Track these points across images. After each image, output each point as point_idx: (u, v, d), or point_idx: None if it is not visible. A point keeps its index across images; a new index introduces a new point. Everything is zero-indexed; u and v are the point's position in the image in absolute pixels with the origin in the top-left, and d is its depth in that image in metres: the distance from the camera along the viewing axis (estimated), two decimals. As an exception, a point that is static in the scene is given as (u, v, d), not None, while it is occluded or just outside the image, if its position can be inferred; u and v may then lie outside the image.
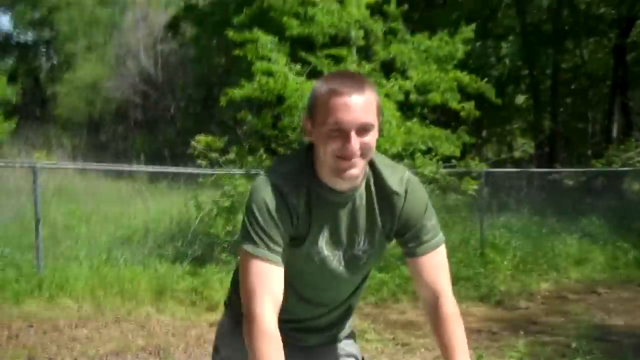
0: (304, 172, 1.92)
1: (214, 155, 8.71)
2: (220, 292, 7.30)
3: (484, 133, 23.69)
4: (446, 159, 9.57)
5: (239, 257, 1.94)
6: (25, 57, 38.79)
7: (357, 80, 1.83)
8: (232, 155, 8.78)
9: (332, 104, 1.78)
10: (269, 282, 1.83)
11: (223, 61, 28.83)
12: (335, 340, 2.24)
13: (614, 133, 19.58)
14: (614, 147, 15.23)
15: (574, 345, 5.26)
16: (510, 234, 10.04)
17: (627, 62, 20.63)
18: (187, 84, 32.59)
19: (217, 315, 6.95)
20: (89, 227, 9.34)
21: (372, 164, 1.95)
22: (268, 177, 1.91)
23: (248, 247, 1.85)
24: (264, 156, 9.07)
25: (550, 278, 9.01)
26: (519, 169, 12.98)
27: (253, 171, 8.59)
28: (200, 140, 8.88)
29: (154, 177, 13.78)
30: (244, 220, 1.90)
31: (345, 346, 2.26)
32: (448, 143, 9.18)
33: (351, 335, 2.31)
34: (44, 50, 40.07)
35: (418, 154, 9.08)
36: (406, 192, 1.97)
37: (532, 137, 24.67)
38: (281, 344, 1.78)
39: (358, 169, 1.84)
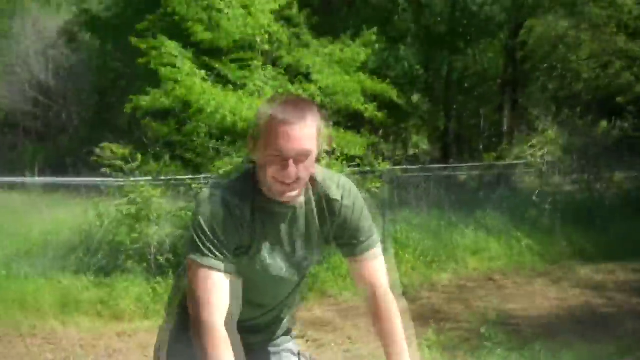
0: (248, 185, 2.00)
1: (120, 163, 8.54)
2: (126, 301, 7.23)
3: (381, 131, 24.17)
4: (349, 159, 9.75)
5: (185, 264, 1.99)
6: None
7: (300, 109, 1.90)
8: (137, 164, 8.62)
9: (274, 132, 1.86)
10: (217, 289, 1.90)
11: (119, 66, 28.23)
12: (274, 337, 2.33)
13: (504, 128, 20.45)
14: (505, 142, 15.92)
15: (482, 330, 5.51)
16: (411, 228, 10.31)
17: (517, 60, 21.58)
18: (80, 90, 31.66)
19: (125, 325, 6.89)
20: (-17, 242, 8.99)
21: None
22: (214, 189, 1.99)
23: (196, 257, 1.92)
24: (168, 162, 9.00)
25: (449, 269, 9.34)
26: (417, 167, 13.37)
27: (159, 178, 8.53)
28: (105, 148, 8.68)
29: (49, 188, 13.37)
30: (190, 231, 1.97)
31: (282, 342, 2.35)
32: (355, 145, 9.36)
33: (289, 332, 2.40)
34: None
35: (324, 155, 9.21)
36: (342, 197, 2.08)
37: (427, 135, 25.44)
38: (231, 350, 1.85)
39: (296, 192, 1.95)
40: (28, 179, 12.88)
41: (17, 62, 30.28)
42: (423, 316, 6.88)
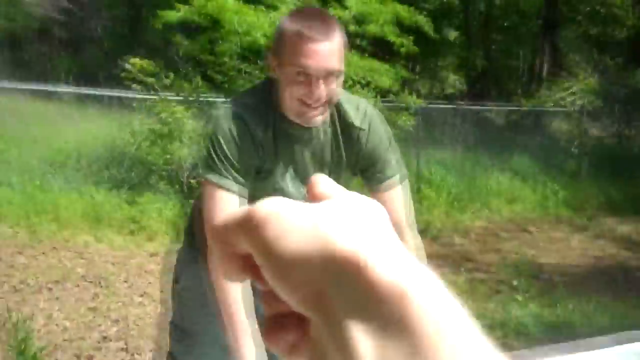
0: (267, 106, 1.87)
1: (151, 80, 8.41)
2: (158, 222, 7.22)
3: (417, 68, 23.77)
4: (383, 93, 9.56)
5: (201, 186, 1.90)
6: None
7: (326, 25, 1.76)
8: (168, 81, 8.49)
9: (300, 49, 1.72)
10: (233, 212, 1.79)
11: (153, -20, 27.81)
12: None
13: (543, 72, 19.99)
14: (544, 86, 15.54)
15: (514, 282, 5.43)
16: (445, 170, 10.20)
17: (558, 1, 20.93)
18: (113, 3, 31.33)
19: (156, 246, 6.90)
20: (19, 150, 8.98)
21: None
22: (232, 107, 1.85)
23: (213, 177, 1.81)
24: (200, 83, 8.85)
25: (483, 215, 9.25)
26: (452, 105, 13.09)
27: (190, 98, 8.39)
28: (135, 64, 8.53)
29: (82, 99, 13.29)
30: (207, 149, 1.84)
31: None
32: (387, 77, 9.15)
33: None
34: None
35: (356, 86, 9.03)
36: (369, 126, 1.95)
37: (464, 74, 24.96)
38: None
39: (323, 115, 1.82)
40: (63, 89, 12.77)
41: (52, -31, 29.92)
42: (455, 262, 6.83)
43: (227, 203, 1.79)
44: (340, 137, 1.94)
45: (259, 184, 1.88)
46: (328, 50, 1.73)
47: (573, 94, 13.33)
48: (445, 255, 7.34)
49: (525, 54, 24.75)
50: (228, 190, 1.79)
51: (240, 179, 1.81)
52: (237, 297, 1.75)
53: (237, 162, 1.80)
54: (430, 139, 11.17)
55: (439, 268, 6.66)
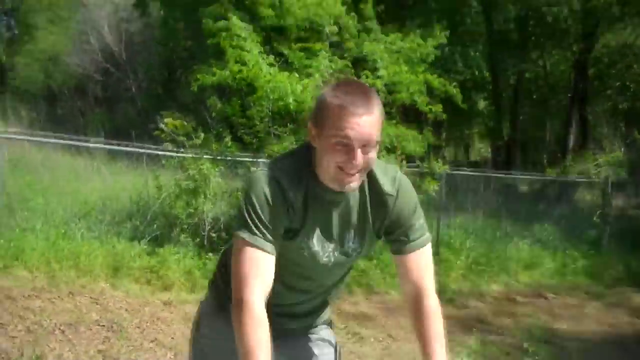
0: (303, 170, 2.00)
1: (182, 138, 8.68)
2: (176, 273, 7.33)
3: (444, 135, 23.97)
4: (409, 158, 9.71)
5: (231, 241, 2.01)
6: (-16, 26, 37.91)
7: (367, 99, 1.89)
8: (198, 140, 8.76)
9: (342, 121, 1.85)
10: (261, 269, 1.90)
11: (188, 44, 28.63)
12: (313, 326, 2.32)
13: (571, 143, 20.03)
14: (570, 157, 15.59)
15: (525, 345, 5.41)
16: (466, 234, 10.22)
17: (588, 75, 21.09)
18: (150, 64, 32.21)
19: (172, 295, 6.99)
20: (45, 200, 9.20)
21: None
22: (269, 170, 1.98)
23: (244, 234, 1.93)
24: (230, 143, 9.09)
25: (500, 280, 9.22)
26: (477, 172, 13.18)
27: (219, 157, 8.61)
28: (169, 124, 8.82)
29: (112, 155, 13.62)
30: (241, 208, 1.97)
31: (321, 331, 2.34)
32: (414, 143, 9.32)
33: (328, 323, 2.39)
34: (5, 19, 39.21)
35: (383, 152, 9.19)
36: (398, 192, 2.06)
37: (490, 142, 25.09)
38: (269, 331, 1.85)
39: (358, 182, 1.95)
40: (93, 144, 13.13)
41: (92, 32, 30.97)
42: (468, 324, 6.81)
43: (257, 259, 1.91)
44: (368, 201, 2.05)
45: (287, 241, 1.99)
46: (368, 122, 1.86)
47: (598, 165, 13.36)
48: (460, 317, 7.32)
49: (553, 125, 24.85)
50: (258, 247, 1.91)
51: (270, 237, 1.93)
52: (262, 350, 1.82)
53: (268, 222, 1.92)
54: (453, 203, 11.22)
55: (451, 328, 6.64)
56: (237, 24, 8.83)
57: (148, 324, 5.91)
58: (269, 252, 1.92)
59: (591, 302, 8.54)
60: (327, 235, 2.05)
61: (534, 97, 24.02)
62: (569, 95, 22.09)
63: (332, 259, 2.08)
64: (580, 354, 6.08)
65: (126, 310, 6.23)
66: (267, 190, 1.93)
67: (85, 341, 5.26)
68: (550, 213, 11.77)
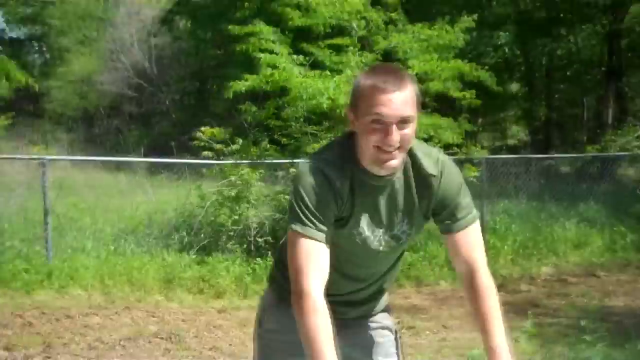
0: (346, 158, 2.05)
1: (220, 146, 8.80)
2: (227, 280, 7.44)
3: (480, 121, 23.78)
4: (446, 147, 9.68)
5: (286, 237, 2.07)
6: (18, 53, 38.62)
7: (398, 77, 1.96)
8: (237, 147, 8.87)
9: (375, 99, 1.92)
10: (317, 259, 1.96)
11: (217, 53, 28.88)
12: (372, 313, 2.36)
13: (609, 119, 19.71)
14: (609, 132, 15.35)
15: (582, 323, 5.36)
16: (510, 219, 10.15)
17: (621, 47, 20.73)
18: (181, 77, 32.55)
19: (224, 302, 7.09)
20: (93, 219, 9.40)
21: (409, 149, 2.06)
22: (314, 162, 2.04)
23: (297, 227, 1.98)
24: (268, 147, 9.18)
25: (550, 262, 9.14)
26: (517, 156, 13.07)
27: (258, 161, 8.70)
28: (205, 132, 8.95)
29: (153, 169, 13.82)
30: (291, 202, 2.03)
31: (381, 319, 2.38)
32: (450, 131, 9.30)
33: (386, 309, 2.42)
34: (36, 45, 39.98)
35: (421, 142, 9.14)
36: (441, 173, 2.10)
37: (527, 125, 24.81)
38: (329, 318, 1.91)
39: (398, 160, 1.99)
40: (134, 159, 13.36)
41: (122, 50, 31.40)
42: (522, 309, 6.75)
43: (311, 249, 1.97)
44: (413, 184, 2.10)
45: (338, 230, 2.05)
46: (401, 99, 1.92)
47: (638, 137, 13.14)
48: (512, 302, 7.27)
49: (589, 102, 24.48)
50: (311, 238, 1.97)
51: (322, 226, 1.98)
52: (324, 336, 1.88)
53: (318, 212, 1.98)
54: (494, 189, 11.14)
55: (506, 314, 6.60)
56: (264, 28, 8.91)
57: (205, 332, 6.02)
58: (322, 242, 1.97)
59: (643, 276, 8.44)
60: (376, 221, 2.09)
61: (568, 74, 23.67)
62: (603, 69, 21.74)
63: (383, 243, 2.12)
64: (638, 328, 6.00)
65: (182, 320, 6.35)
66: (313, 182, 1.99)
67: (146, 354, 5.39)
68: (594, 191, 11.61)
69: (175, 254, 8.05)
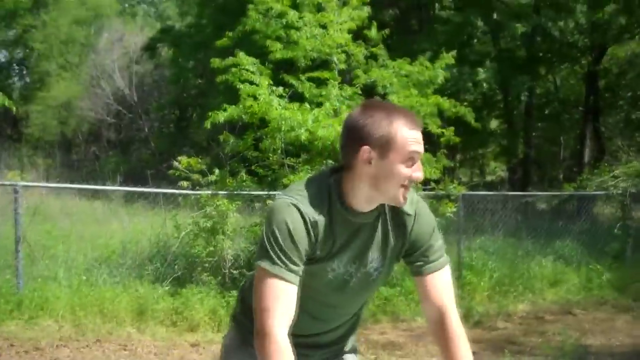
0: (324, 194, 2.01)
1: (197, 176, 8.72)
2: (201, 313, 7.31)
3: (458, 156, 23.93)
4: (424, 182, 9.69)
5: (249, 277, 2.04)
6: (-3, 76, 38.43)
7: (412, 114, 2.06)
8: (213, 177, 8.80)
9: (410, 137, 1.97)
10: (284, 300, 1.90)
11: (198, 82, 28.93)
12: (338, 355, 2.30)
13: (586, 157, 19.93)
14: (586, 171, 15.49)
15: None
16: (487, 255, 10.13)
17: (599, 88, 21.05)
18: (161, 104, 32.53)
19: (198, 336, 6.97)
20: (66, 247, 9.24)
21: None
22: (289, 198, 1.99)
23: (266, 265, 1.93)
24: (245, 177, 9.11)
25: (526, 299, 9.12)
26: (494, 192, 13.12)
27: (235, 192, 8.62)
28: (182, 161, 8.87)
29: (129, 197, 13.70)
30: (262, 239, 1.97)
31: (347, 359, 2.33)
32: (428, 166, 9.31)
33: (353, 350, 2.37)
34: (17, 69, 39.80)
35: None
36: (416, 213, 2.10)
37: (505, 161, 25.01)
38: (292, 358, 1.85)
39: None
40: (110, 187, 13.24)
41: (103, 76, 31.37)
42: (498, 346, 6.72)
43: (279, 290, 1.91)
44: (389, 221, 2.09)
45: (310, 266, 2.00)
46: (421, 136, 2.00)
47: (615, 177, 13.25)
48: (489, 339, 7.24)
49: (567, 140, 24.77)
50: (280, 277, 1.91)
51: (293, 266, 1.93)
52: None
53: (290, 251, 1.93)
54: (471, 225, 11.16)
55: (482, 351, 6.56)
56: (244, 58, 8.90)
57: (177, 367, 5.89)
58: (291, 282, 1.92)
59: (620, 315, 8.43)
60: (351, 257, 2.06)
61: (546, 112, 23.98)
62: (581, 109, 22.05)
63: (355, 280, 2.08)
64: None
65: (155, 354, 6.23)
66: (287, 219, 1.94)
67: (115, 388, 5.25)
68: (571, 228, 11.67)
69: (148, 284, 7.91)
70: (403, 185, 1.96)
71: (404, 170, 1.95)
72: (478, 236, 11.15)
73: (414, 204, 2.09)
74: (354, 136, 1.98)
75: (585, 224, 12.01)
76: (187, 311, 7.32)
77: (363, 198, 1.99)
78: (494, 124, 25.39)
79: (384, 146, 1.95)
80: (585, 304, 9.01)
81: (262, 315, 1.88)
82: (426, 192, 9.65)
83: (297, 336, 2.04)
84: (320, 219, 1.97)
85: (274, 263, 1.92)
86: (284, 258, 1.92)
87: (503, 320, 8.17)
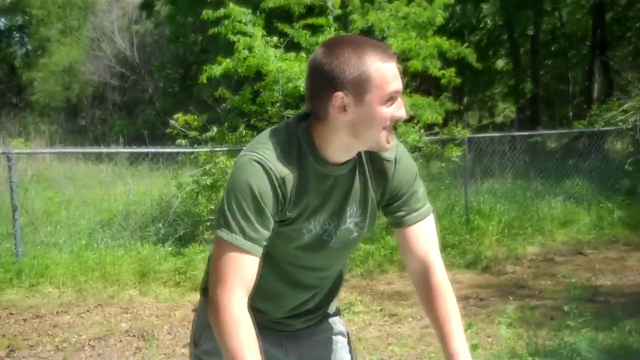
0: (293, 147, 1.77)
1: (194, 133, 8.56)
2: (204, 271, 7.21)
3: (465, 99, 23.59)
4: (429, 127, 9.48)
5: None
6: (-2, 44, 38.15)
7: (386, 46, 1.78)
8: (212, 133, 8.64)
9: (388, 75, 1.70)
10: (241, 271, 1.70)
11: (199, 39, 28.56)
12: (322, 320, 2.12)
13: (595, 93, 19.57)
14: (595, 107, 15.18)
15: (565, 308, 5.18)
16: (495, 199, 9.96)
17: (606, 21, 20.56)
18: (164, 64, 32.19)
19: (202, 295, 6.87)
20: (68, 213, 9.15)
21: None
22: (252, 154, 1.74)
23: (222, 233, 1.71)
24: (244, 132, 8.93)
25: (536, 241, 8.97)
26: (501, 133, 12.85)
27: (234, 148, 8.46)
28: (179, 119, 8.71)
29: (134, 159, 13.57)
30: (222, 203, 1.75)
31: (333, 324, 2.15)
32: (431, 111, 9.08)
33: (337, 312, 2.19)
34: (17, 36, 39.46)
35: (400, 123, 8.94)
36: (396, 159, 1.88)
37: (514, 101, 24.67)
38: (252, 329, 1.68)
39: None
40: (112, 149, 13.12)
41: (103, 38, 31.02)
42: (507, 291, 6.60)
43: (237, 261, 1.70)
44: (368, 170, 1.87)
45: (283, 228, 1.80)
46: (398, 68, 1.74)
47: (625, 111, 12.96)
48: (497, 284, 7.12)
49: (575, 77, 24.34)
50: (237, 247, 1.70)
51: (253, 235, 1.71)
52: (249, 352, 1.66)
53: (252, 217, 1.71)
54: (479, 168, 10.97)
55: (490, 296, 6.44)
56: (236, 9, 8.63)
57: (179, 328, 5.81)
58: (250, 253, 1.71)
59: (631, 253, 8.29)
60: (327, 215, 1.85)
61: (553, 49, 23.51)
62: (588, 43, 21.57)
63: (334, 238, 1.88)
64: (626, 307, 5.84)
65: (156, 316, 6.15)
66: (250, 179, 1.70)
67: (116, 354, 5.18)
68: (581, 167, 11.46)
69: (150, 246, 7.82)
70: (385, 128, 1.72)
71: (384, 111, 1.70)
72: (486, 179, 10.96)
73: (394, 148, 1.86)
74: (322, 83, 1.72)
75: (595, 161, 11.77)
76: (190, 270, 7.24)
77: (340, 148, 1.76)
78: (500, 63, 24.95)
79: (359, 88, 1.69)
80: (596, 244, 8.87)
81: (217, 287, 1.70)
82: (430, 137, 9.46)
83: (283, 308, 1.91)
84: (289, 175, 1.74)
85: (232, 231, 1.70)
86: (244, 226, 1.70)
87: (512, 264, 8.04)
